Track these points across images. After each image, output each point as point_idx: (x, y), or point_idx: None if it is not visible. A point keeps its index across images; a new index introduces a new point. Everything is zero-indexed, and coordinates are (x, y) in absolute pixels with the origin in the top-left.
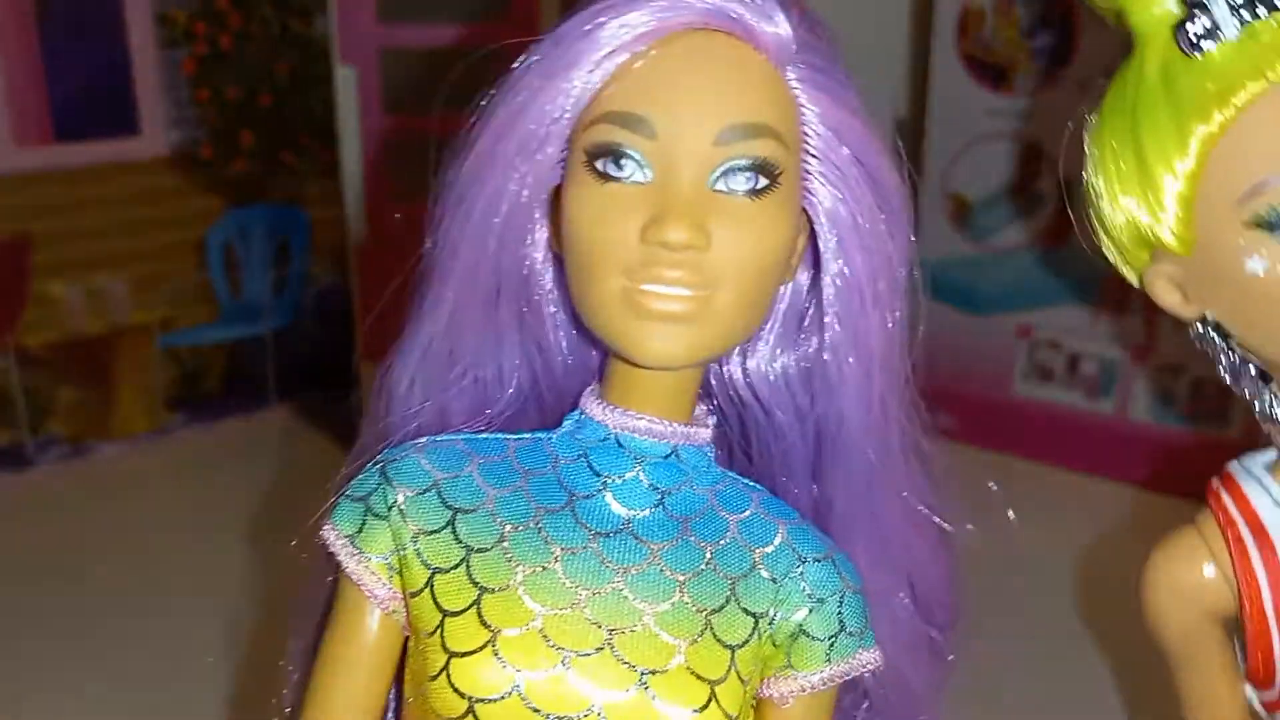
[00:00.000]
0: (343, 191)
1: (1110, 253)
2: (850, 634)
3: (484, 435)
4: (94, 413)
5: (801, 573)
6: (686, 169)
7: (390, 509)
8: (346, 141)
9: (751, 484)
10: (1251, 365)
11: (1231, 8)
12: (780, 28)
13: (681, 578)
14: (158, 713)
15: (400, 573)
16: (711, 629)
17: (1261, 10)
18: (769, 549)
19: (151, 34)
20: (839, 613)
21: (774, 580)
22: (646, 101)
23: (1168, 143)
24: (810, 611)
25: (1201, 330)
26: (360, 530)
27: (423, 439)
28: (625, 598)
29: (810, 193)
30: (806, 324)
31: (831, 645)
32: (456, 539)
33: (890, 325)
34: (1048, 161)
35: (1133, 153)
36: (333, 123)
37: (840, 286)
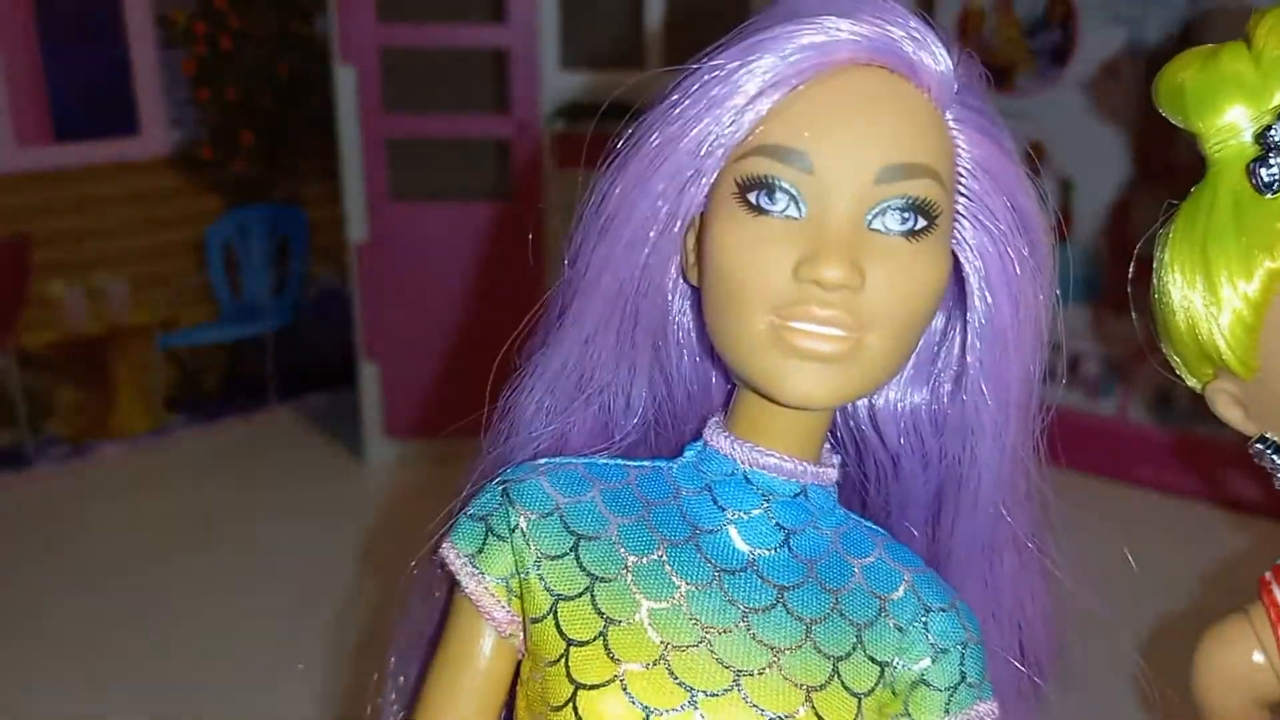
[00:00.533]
0: (343, 191)
1: (1175, 362)
2: (970, 685)
3: (603, 461)
4: (94, 413)
5: (926, 622)
6: (843, 206)
7: (513, 530)
8: (346, 141)
9: (874, 527)
10: None
11: None
12: (944, 66)
13: (809, 621)
14: (158, 713)
15: (520, 596)
16: (839, 676)
17: None
18: (895, 596)
19: (151, 34)
20: (961, 664)
21: (899, 629)
22: (805, 135)
23: (1235, 269)
24: (933, 661)
25: (1261, 448)
26: (481, 550)
27: (541, 461)
28: (753, 638)
29: (960, 234)
30: (939, 366)
31: (951, 696)
32: (580, 566)
33: (1031, 372)
34: (1048, 161)
35: (1201, 274)
36: (333, 123)
37: (985, 331)
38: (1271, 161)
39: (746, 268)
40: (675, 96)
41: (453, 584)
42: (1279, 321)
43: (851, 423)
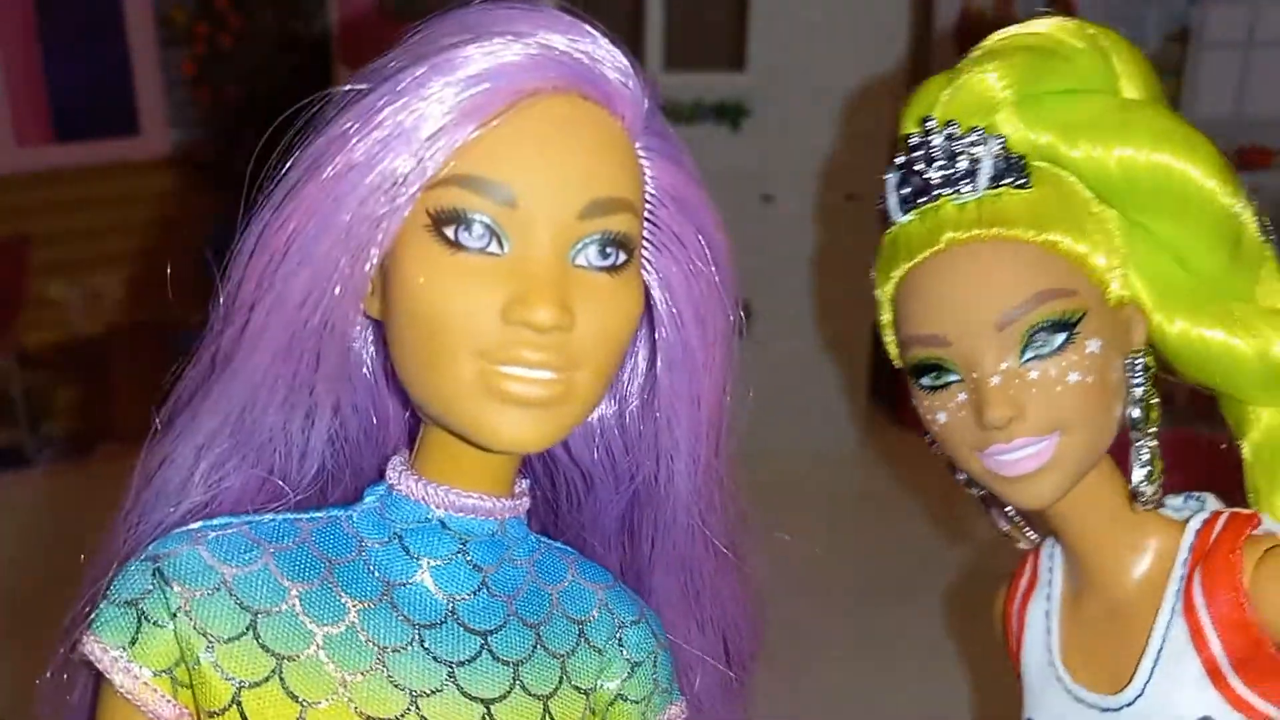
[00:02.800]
0: None
1: None
2: (662, 691)
3: (270, 519)
4: (93, 412)
5: (620, 639)
6: (548, 242)
7: (174, 615)
8: None
9: (564, 548)
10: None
11: (899, 201)
12: (637, 95)
13: (515, 663)
14: None
15: (191, 687)
16: (549, 715)
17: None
18: (591, 618)
19: (151, 34)
20: (654, 673)
21: (599, 651)
22: (506, 168)
23: (878, 290)
24: (629, 676)
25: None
26: (134, 640)
27: (196, 526)
28: (463, 695)
29: (647, 260)
30: (626, 383)
31: (647, 706)
32: (261, 646)
33: (722, 390)
34: None
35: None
36: None
37: (675, 352)
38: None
39: (449, 309)
40: (348, 123)
41: (99, 682)
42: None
43: (546, 450)
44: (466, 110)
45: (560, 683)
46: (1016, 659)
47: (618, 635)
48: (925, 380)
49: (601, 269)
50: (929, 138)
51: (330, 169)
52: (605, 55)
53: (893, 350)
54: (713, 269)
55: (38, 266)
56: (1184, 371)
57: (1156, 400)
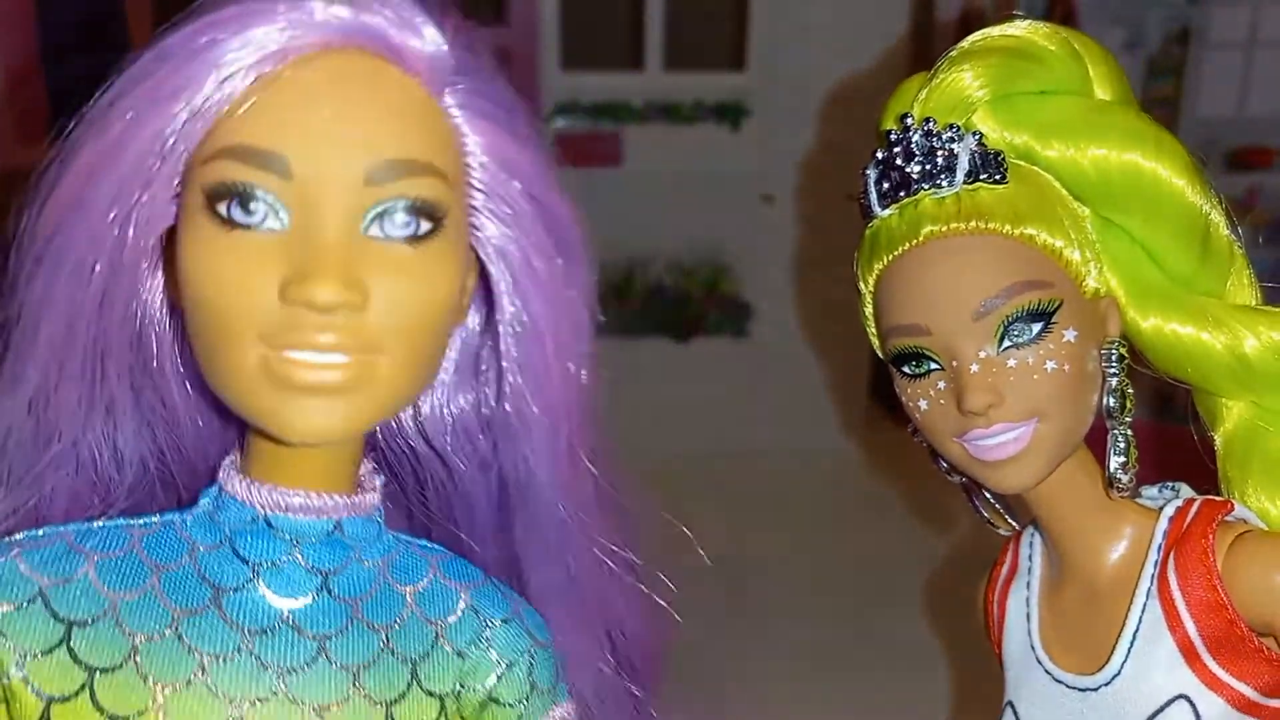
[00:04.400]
0: None
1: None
2: (542, 693)
3: (99, 525)
4: None
5: (489, 638)
6: (332, 214)
7: None
8: None
9: (429, 546)
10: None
11: (879, 196)
12: (430, 45)
13: (355, 668)
14: None
15: (5, 703)
16: None
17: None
18: (452, 619)
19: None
20: (530, 673)
21: (459, 654)
22: (278, 135)
23: (860, 284)
24: (500, 678)
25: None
26: None
27: (19, 536)
28: (293, 702)
29: (477, 229)
30: (484, 367)
31: (525, 707)
32: (74, 659)
33: (575, 373)
34: None
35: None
36: None
37: (518, 333)
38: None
39: (225, 291)
40: (114, 92)
41: None
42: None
43: (402, 440)
44: (231, 72)
45: (409, 687)
46: (998, 646)
47: (484, 635)
48: (907, 369)
49: (402, 240)
50: (908, 134)
51: (87, 148)
52: (394, 9)
53: (875, 342)
54: (549, 236)
55: None
56: (1158, 365)
57: (1131, 390)
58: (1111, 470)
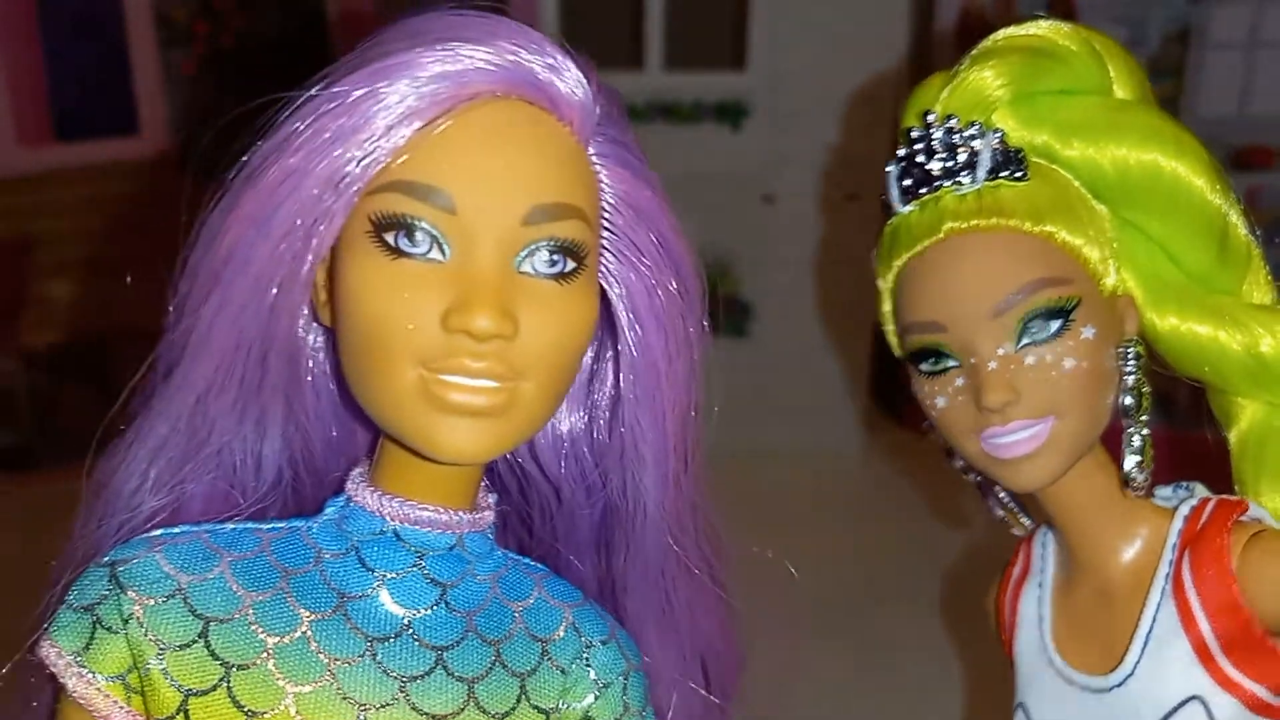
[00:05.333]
0: None
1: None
2: (633, 714)
3: (231, 528)
4: (96, 412)
5: (588, 659)
6: (491, 249)
7: (126, 621)
8: None
9: (533, 564)
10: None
11: (900, 192)
12: (585, 99)
13: (470, 680)
14: None
15: (142, 694)
16: None
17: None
18: (556, 636)
19: (151, 34)
20: (624, 694)
21: (563, 671)
22: (446, 173)
23: (880, 280)
24: (597, 697)
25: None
26: (88, 646)
27: (157, 533)
28: (413, 710)
29: (606, 268)
30: (594, 396)
31: None
32: (212, 654)
33: (687, 404)
34: None
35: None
36: None
37: (638, 364)
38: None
39: (389, 316)
40: (295, 126)
41: (57, 686)
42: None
43: (510, 457)
44: (406, 114)
45: (519, 701)
46: (1010, 647)
47: (584, 655)
48: (924, 365)
49: (549, 277)
50: (930, 131)
51: (270, 174)
52: (551, 62)
53: (893, 339)
54: (673, 279)
55: (39, 267)
56: (1174, 364)
57: (1148, 389)
58: (1127, 469)
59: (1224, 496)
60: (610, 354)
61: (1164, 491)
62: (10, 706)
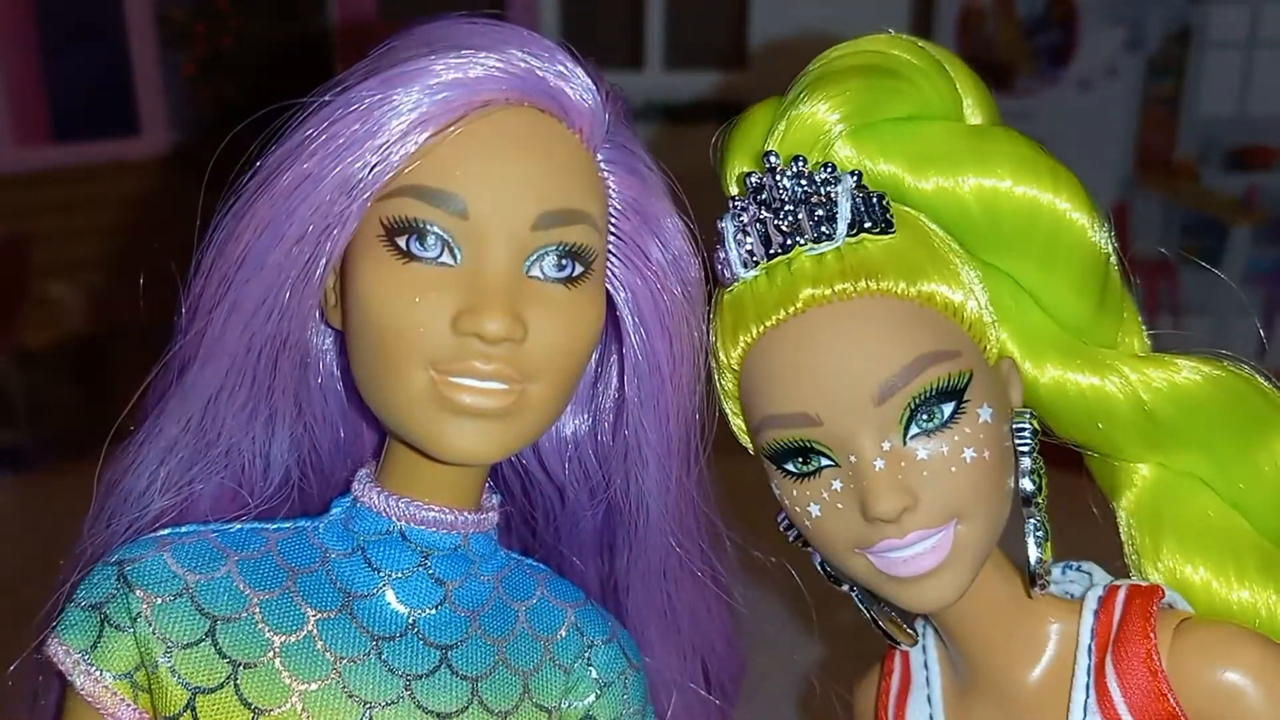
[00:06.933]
0: None
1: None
2: (634, 713)
3: (238, 527)
4: (92, 412)
5: (589, 658)
6: (502, 254)
7: (135, 619)
8: None
9: (535, 565)
10: (817, 558)
11: (740, 256)
12: (595, 106)
13: (474, 679)
14: None
15: (149, 692)
16: None
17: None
18: (558, 636)
19: (151, 34)
20: (624, 694)
21: (565, 670)
22: (459, 178)
23: (719, 356)
24: (598, 696)
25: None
26: (96, 644)
27: (165, 532)
28: (419, 708)
29: (612, 272)
30: (599, 398)
31: None
32: (219, 652)
33: (690, 409)
34: None
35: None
36: None
37: (642, 367)
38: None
39: (400, 319)
40: (309, 131)
41: (65, 684)
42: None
43: (514, 458)
44: (419, 121)
45: (522, 699)
46: None
47: (586, 654)
48: (790, 466)
49: (557, 280)
50: (775, 178)
51: (284, 179)
52: (562, 69)
53: (742, 432)
54: (678, 284)
55: (38, 266)
56: (1056, 426)
57: (1044, 468)
58: (1034, 565)
59: (1132, 582)
60: (614, 357)
61: (1053, 574)
62: (15, 704)
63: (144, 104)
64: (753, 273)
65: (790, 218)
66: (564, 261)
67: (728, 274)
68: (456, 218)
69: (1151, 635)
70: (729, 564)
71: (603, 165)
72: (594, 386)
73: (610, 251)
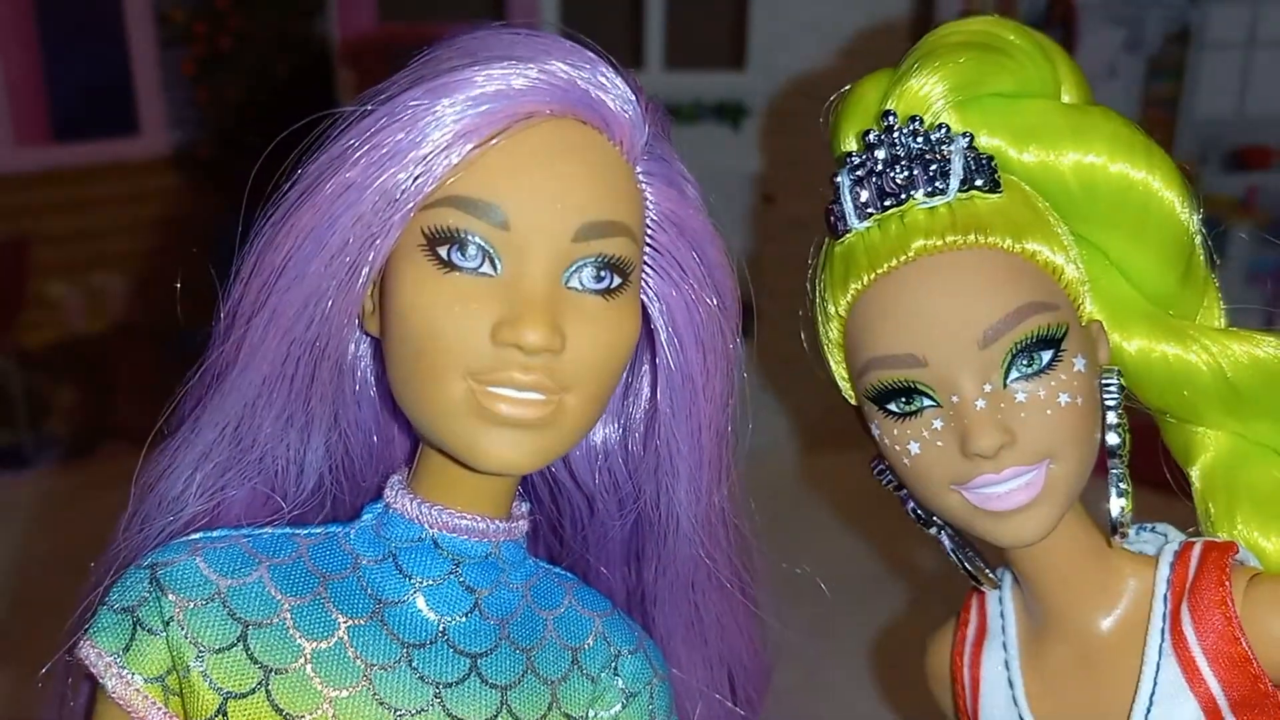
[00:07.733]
0: None
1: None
2: None
3: (270, 532)
4: (93, 413)
5: (616, 668)
6: (541, 265)
7: (167, 623)
8: None
9: (563, 573)
10: (909, 502)
11: (855, 208)
12: (635, 119)
13: (504, 687)
14: None
15: (181, 696)
16: None
17: (871, 211)
18: (586, 645)
19: (151, 34)
20: (650, 703)
21: (592, 679)
22: (500, 190)
23: (828, 306)
24: (624, 706)
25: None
26: (128, 647)
27: (197, 536)
28: (448, 716)
29: (647, 284)
30: (630, 408)
31: None
32: (250, 658)
33: (723, 419)
34: None
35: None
36: None
37: (675, 379)
38: (834, 209)
39: (440, 329)
40: (351, 141)
41: (95, 686)
42: (849, 359)
43: (548, 472)
44: (462, 132)
45: (550, 709)
46: (970, 714)
47: (613, 664)
48: (893, 406)
49: (596, 292)
50: (893, 135)
51: (327, 188)
52: (604, 81)
53: (842, 378)
54: (713, 296)
55: (37, 266)
56: (1141, 393)
57: (1128, 424)
58: (1115, 515)
59: (1207, 538)
60: (646, 368)
61: (1128, 534)
62: (45, 706)
63: (144, 104)
64: (865, 224)
65: (906, 172)
66: (602, 273)
67: (841, 226)
68: (498, 228)
69: (1227, 583)
70: (756, 575)
71: (641, 177)
72: (625, 397)
73: (646, 263)
